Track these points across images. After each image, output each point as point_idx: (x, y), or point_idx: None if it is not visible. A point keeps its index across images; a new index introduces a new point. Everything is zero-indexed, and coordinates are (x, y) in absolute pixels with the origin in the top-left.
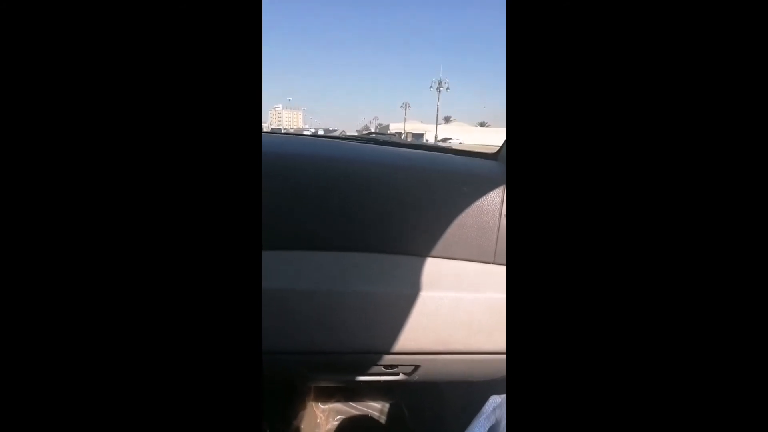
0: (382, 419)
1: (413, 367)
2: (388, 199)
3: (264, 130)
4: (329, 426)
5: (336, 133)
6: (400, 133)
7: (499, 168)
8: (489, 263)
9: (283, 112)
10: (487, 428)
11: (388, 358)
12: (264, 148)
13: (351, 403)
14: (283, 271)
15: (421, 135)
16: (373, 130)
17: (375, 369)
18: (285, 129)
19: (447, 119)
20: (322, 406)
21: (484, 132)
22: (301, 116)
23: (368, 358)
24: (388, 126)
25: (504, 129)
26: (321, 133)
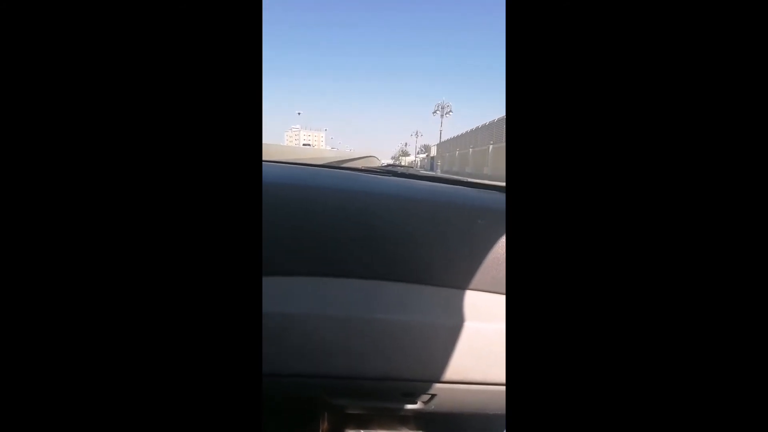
0: None
1: (430, 395)
2: (408, 230)
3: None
4: None
5: (355, 154)
6: None
7: None
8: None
9: (302, 133)
10: None
11: (405, 386)
12: (284, 179)
13: None
14: (305, 296)
15: None
16: (414, 156)
17: (392, 396)
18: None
19: None
20: None
21: None
22: (323, 137)
23: (386, 385)
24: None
25: None
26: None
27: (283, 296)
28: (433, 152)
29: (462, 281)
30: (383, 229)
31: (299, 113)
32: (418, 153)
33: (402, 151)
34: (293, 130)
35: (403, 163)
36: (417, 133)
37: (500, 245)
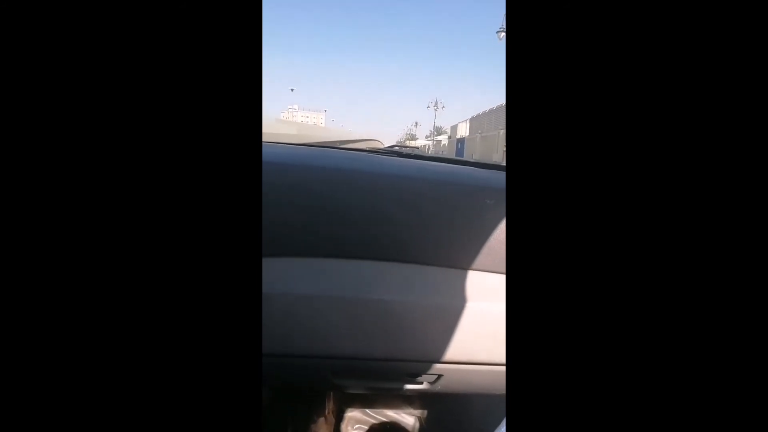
0: (402, 429)
1: (436, 376)
2: (414, 211)
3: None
4: None
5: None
6: None
7: None
8: None
9: (299, 114)
10: None
11: (411, 366)
12: (290, 160)
13: (370, 412)
14: (311, 277)
15: None
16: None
17: (398, 377)
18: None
19: None
20: (342, 414)
21: None
22: (322, 118)
23: (391, 366)
24: None
25: None
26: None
27: (289, 277)
28: (462, 131)
29: (467, 262)
30: (388, 209)
31: (292, 90)
32: (428, 136)
33: (409, 134)
34: (290, 110)
35: None
36: (436, 103)
37: (505, 225)
